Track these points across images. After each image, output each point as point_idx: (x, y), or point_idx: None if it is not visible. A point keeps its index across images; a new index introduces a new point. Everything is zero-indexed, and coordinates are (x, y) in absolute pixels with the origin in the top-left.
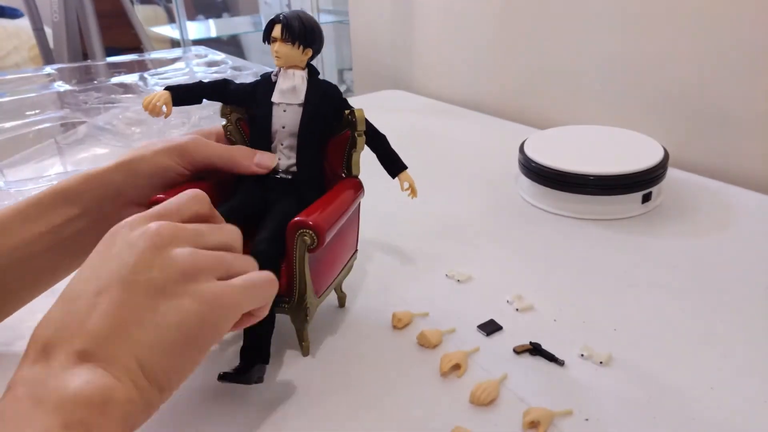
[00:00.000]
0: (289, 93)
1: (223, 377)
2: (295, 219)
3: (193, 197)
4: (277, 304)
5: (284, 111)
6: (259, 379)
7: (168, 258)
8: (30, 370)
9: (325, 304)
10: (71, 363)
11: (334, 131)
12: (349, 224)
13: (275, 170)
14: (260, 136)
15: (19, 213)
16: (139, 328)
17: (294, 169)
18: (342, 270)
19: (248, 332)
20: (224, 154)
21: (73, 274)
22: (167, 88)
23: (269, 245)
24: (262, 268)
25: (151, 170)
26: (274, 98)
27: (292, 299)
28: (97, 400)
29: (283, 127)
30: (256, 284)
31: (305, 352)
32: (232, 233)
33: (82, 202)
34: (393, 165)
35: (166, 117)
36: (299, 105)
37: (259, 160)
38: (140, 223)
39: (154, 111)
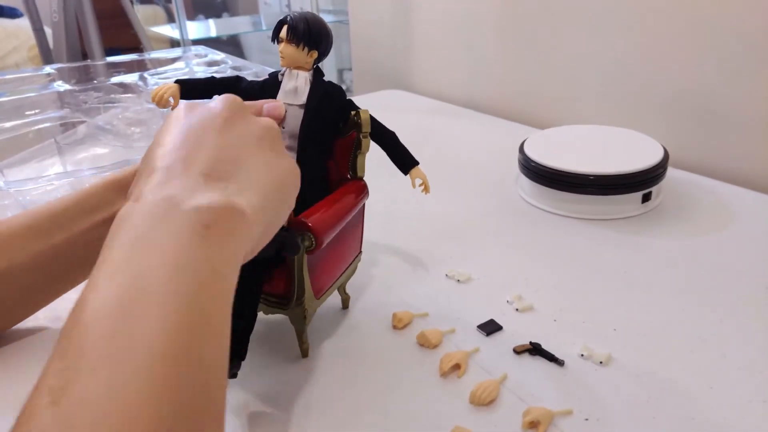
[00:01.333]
0: (291, 93)
1: None
2: (294, 219)
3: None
4: (276, 305)
5: (285, 111)
6: (232, 375)
7: (258, 120)
8: (156, 184)
9: (327, 304)
10: (201, 181)
11: (340, 133)
12: (352, 226)
13: None
14: None
15: (78, 204)
16: (254, 165)
17: None
18: (344, 271)
19: None
20: None
21: None
22: (177, 81)
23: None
24: (256, 265)
25: None
26: (278, 97)
27: (290, 300)
28: (238, 211)
29: (283, 128)
30: None
31: (305, 353)
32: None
33: None
34: (404, 162)
35: (173, 109)
36: (300, 106)
37: (267, 112)
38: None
39: (160, 102)
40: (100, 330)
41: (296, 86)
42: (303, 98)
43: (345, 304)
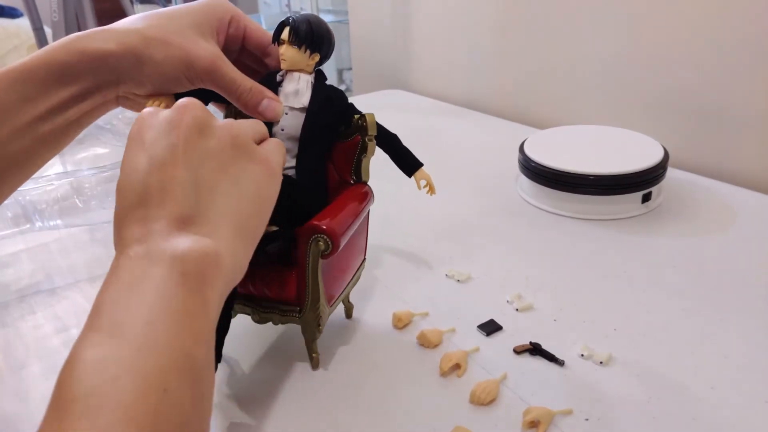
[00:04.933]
0: (292, 96)
1: None
2: (309, 224)
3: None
4: (288, 314)
5: (285, 114)
6: None
7: (216, 129)
8: (133, 234)
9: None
10: (174, 229)
11: (341, 137)
12: (359, 231)
13: None
14: None
15: (14, 92)
16: (222, 192)
17: (292, 173)
18: (352, 278)
19: None
20: (231, 90)
21: None
22: None
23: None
24: (269, 264)
25: (154, 74)
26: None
27: (303, 308)
28: (211, 256)
29: (282, 130)
30: (280, 142)
31: (315, 365)
32: (247, 122)
33: (80, 82)
34: (408, 164)
35: None
36: (301, 110)
37: (263, 109)
38: (160, 109)
39: None
40: (86, 383)
41: (297, 89)
42: (304, 101)
43: (348, 313)
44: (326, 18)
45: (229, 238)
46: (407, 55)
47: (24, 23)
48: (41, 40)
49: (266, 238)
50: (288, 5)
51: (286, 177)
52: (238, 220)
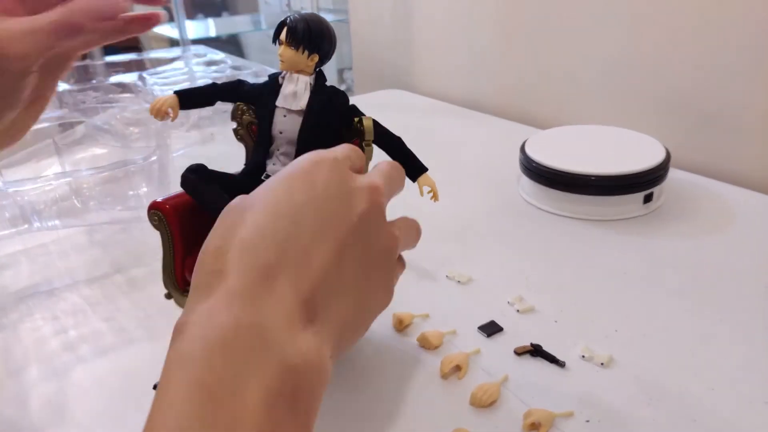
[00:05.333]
0: (290, 98)
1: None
2: None
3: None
4: None
5: (284, 116)
6: None
7: (385, 233)
8: (250, 293)
9: None
10: (297, 312)
11: (343, 139)
12: None
13: (266, 174)
14: (261, 140)
15: None
16: (350, 296)
17: None
18: None
19: None
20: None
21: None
22: (176, 92)
23: None
24: None
25: None
26: (278, 102)
27: None
28: (323, 368)
29: (281, 133)
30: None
31: None
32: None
33: None
34: (412, 168)
35: (172, 120)
36: (299, 112)
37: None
38: (344, 168)
39: (159, 114)
40: None
41: (295, 91)
42: (302, 104)
43: None
44: (326, 17)
45: (339, 347)
46: (408, 54)
47: None
48: None
49: None
50: (288, 4)
51: None
52: (346, 324)
